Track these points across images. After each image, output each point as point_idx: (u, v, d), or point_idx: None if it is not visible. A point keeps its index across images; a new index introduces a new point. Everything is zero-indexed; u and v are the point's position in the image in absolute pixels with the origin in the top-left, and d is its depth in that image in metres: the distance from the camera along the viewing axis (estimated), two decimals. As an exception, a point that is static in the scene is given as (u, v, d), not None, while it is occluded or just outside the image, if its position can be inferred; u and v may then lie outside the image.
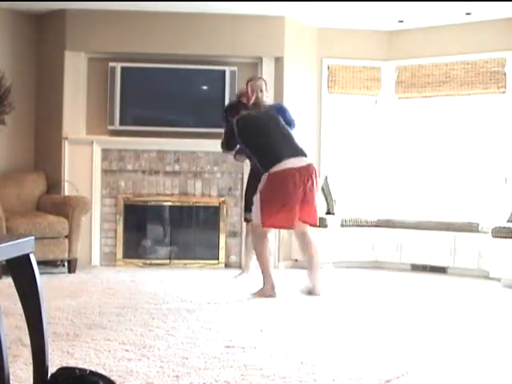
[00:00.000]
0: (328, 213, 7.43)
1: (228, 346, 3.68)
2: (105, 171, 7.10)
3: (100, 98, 7.11)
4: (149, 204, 7.19)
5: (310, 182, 5.19)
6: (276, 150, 5.25)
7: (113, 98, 7.02)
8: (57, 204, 6.65)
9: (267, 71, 7.21)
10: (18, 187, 6.82)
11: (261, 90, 6.11)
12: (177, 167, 7.14)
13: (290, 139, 5.38)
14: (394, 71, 7.73)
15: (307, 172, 5.21)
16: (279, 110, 6.03)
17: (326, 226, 7.15)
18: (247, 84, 6.12)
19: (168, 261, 7.16)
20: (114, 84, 7.00)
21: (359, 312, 4.83)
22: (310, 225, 5.45)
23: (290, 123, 5.86)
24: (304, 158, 5.26)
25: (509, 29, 6.99)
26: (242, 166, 7.16)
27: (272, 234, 7.10)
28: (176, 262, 7.10)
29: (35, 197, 6.93)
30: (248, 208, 5.76)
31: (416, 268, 7.22)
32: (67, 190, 6.98)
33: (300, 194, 5.17)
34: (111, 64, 7.03)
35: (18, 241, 2.48)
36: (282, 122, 5.50)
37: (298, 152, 5.28)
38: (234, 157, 6.12)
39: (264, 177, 5.21)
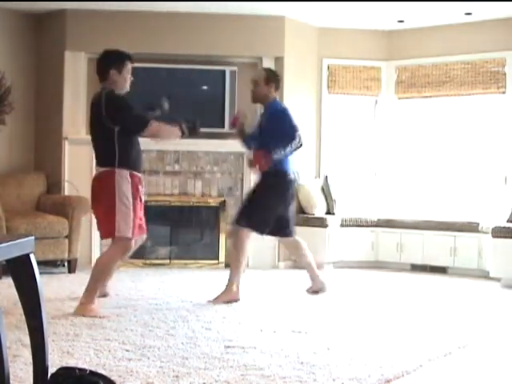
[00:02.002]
0: (328, 213, 7.43)
1: (228, 346, 3.68)
2: (105, 171, 7.09)
3: (100, 98, 7.11)
4: (149, 204, 7.17)
5: (94, 192, 4.75)
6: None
7: (113, 98, 7.01)
8: (57, 204, 6.65)
9: (267, 71, 7.20)
10: (18, 187, 6.82)
11: (256, 83, 5.31)
12: (177, 167, 7.15)
13: (95, 145, 4.78)
14: (394, 71, 7.73)
15: (93, 182, 4.77)
16: (273, 117, 5.26)
17: (326, 226, 7.15)
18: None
19: (168, 261, 7.15)
20: (114, 84, 7.00)
21: (359, 312, 4.83)
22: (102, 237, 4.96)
23: (285, 134, 5.11)
24: (97, 168, 4.73)
25: (509, 29, 6.99)
26: (242, 166, 7.17)
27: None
28: (176, 262, 7.10)
29: (35, 197, 6.93)
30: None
31: (416, 268, 7.22)
32: (67, 190, 6.97)
33: (92, 203, 4.85)
34: (111, 64, 7.03)
35: (18, 241, 2.48)
36: (101, 119, 4.63)
37: (96, 161, 4.76)
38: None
39: None
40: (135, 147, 4.76)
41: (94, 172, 4.82)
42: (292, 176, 5.34)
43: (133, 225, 4.63)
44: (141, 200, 4.76)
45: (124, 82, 4.79)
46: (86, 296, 4.60)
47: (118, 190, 4.57)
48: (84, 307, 4.54)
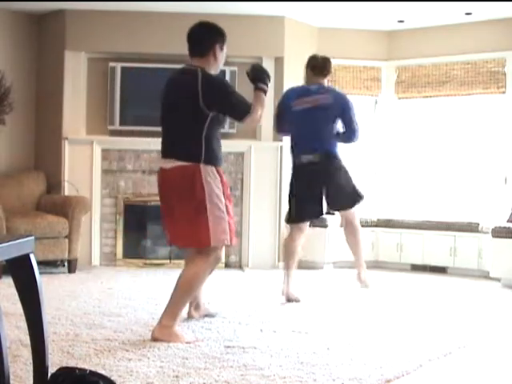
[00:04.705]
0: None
1: (228, 346, 3.68)
2: (105, 171, 7.10)
3: (100, 98, 7.11)
4: (149, 204, 7.18)
5: (169, 190, 3.90)
6: (162, 142, 4.01)
7: (113, 98, 7.02)
8: (57, 204, 6.65)
9: (267, 71, 7.20)
10: (17, 187, 6.82)
11: None
12: (177, 167, 7.13)
13: (173, 132, 3.93)
14: (394, 71, 7.73)
15: (167, 178, 3.91)
16: (339, 104, 5.37)
17: (326, 226, 7.15)
18: None
19: (168, 261, 7.15)
20: (114, 84, 7.00)
21: (359, 312, 4.83)
22: (173, 244, 4.39)
23: (348, 131, 5.52)
24: (172, 161, 3.86)
25: (509, 29, 6.99)
26: (242, 166, 7.17)
27: (271, 234, 7.12)
28: (176, 262, 7.09)
29: (35, 197, 6.93)
30: None
31: (416, 268, 7.22)
32: (67, 190, 6.97)
33: (163, 202, 3.99)
34: (111, 64, 7.03)
35: (18, 241, 2.48)
36: (194, 103, 3.81)
37: (169, 152, 3.92)
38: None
39: None
40: (219, 140, 3.98)
41: (163, 165, 3.93)
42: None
43: (230, 229, 3.90)
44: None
45: (220, 63, 4.02)
46: (169, 318, 3.82)
47: (208, 191, 3.79)
48: (167, 331, 3.79)
